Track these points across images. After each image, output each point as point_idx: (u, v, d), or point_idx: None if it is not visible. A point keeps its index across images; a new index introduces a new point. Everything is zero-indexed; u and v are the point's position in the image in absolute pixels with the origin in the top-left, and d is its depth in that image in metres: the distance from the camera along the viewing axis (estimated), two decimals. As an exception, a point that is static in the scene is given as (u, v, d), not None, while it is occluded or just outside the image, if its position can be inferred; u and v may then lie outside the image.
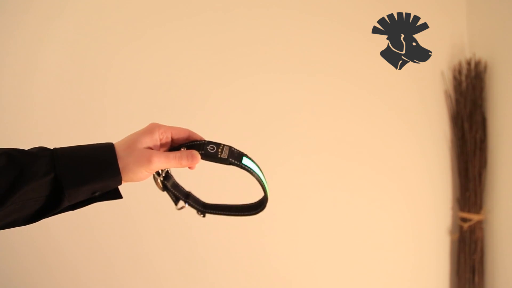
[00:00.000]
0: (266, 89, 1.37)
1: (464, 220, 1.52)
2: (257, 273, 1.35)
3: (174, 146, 0.60)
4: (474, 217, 1.50)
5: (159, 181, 0.61)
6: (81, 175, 0.51)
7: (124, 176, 0.54)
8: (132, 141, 0.56)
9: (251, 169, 0.58)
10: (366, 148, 1.46)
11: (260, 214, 1.42)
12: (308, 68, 1.41)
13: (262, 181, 0.59)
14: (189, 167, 0.58)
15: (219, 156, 0.57)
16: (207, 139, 0.60)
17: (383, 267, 1.49)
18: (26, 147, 0.57)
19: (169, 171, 0.61)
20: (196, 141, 0.59)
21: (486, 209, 1.52)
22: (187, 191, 0.67)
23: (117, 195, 0.58)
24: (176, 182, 0.64)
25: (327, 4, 1.44)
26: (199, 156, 0.57)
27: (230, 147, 0.58)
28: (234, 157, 0.57)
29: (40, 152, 0.52)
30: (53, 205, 0.51)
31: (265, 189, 0.61)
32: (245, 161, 0.57)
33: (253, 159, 0.59)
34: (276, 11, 1.38)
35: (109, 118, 1.21)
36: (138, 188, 1.24)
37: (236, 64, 1.34)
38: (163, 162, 0.55)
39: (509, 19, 1.47)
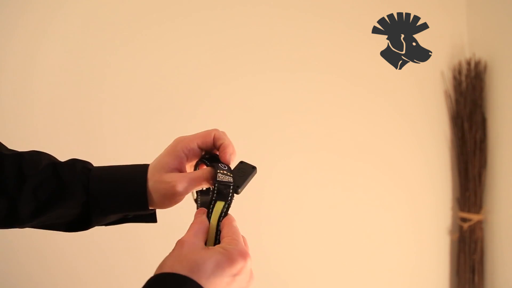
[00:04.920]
0: (266, 88, 1.36)
1: (464, 220, 1.52)
2: (256, 274, 1.34)
3: (203, 156, 0.57)
4: (474, 217, 1.50)
5: (194, 192, 0.57)
6: (109, 205, 0.53)
7: (154, 206, 0.54)
8: (158, 166, 0.54)
9: (213, 204, 0.50)
10: (366, 148, 1.46)
11: (259, 214, 1.41)
12: (308, 67, 1.40)
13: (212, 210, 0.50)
14: None
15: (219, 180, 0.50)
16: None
17: (383, 267, 1.49)
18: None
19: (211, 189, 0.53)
20: (215, 156, 0.55)
21: (486, 209, 1.52)
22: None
23: (152, 219, 0.58)
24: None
25: (327, 4, 1.43)
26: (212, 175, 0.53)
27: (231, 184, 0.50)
28: (220, 190, 0.50)
29: (81, 171, 0.54)
30: (84, 223, 0.54)
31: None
32: (217, 204, 0.50)
33: (225, 213, 0.50)
34: (275, 10, 1.38)
35: (107, 117, 1.21)
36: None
37: (234, 63, 1.33)
38: (188, 187, 0.52)
39: (509, 19, 1.47)
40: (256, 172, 0.55)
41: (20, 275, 1.13)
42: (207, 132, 0.55)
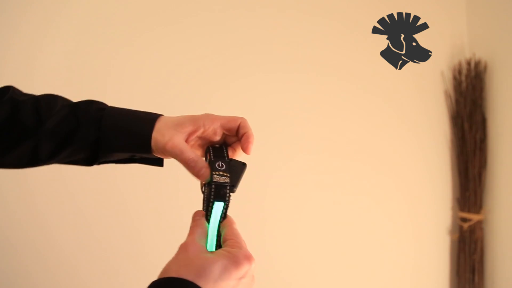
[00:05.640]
0: (267, 89, 1.36)
1: (464, 220, 1.52)
2: (257, 273, 1.34)
3: (213, 142, 0.57)
4: (474, 217, 1.50)
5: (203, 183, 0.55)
6: (115, 142, 0.55)
7: (156, 152, 0.55)
8: (175, 120, 0.55)
9: (211, 207, 0.49)
10: (366, 148, 1.46)
11: (261, 214, 1.41)
12: (308, 68, 1.40)
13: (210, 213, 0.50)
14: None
15: (213, 180, 0.49)
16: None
17: (383, 267, 1.49)
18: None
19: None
20: (222, 149, 0.55)
21: (486, 209, 1.52)
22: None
23: (158, 163, 0.60)
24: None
25: (327, 4, 1.44)
26: (205, 177, 0.51)
27: (228, 185, 0.49)
28: (217, 192, 0.49)
29: (96, 110, 0.57)
30: (95, 157, 0.57)
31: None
32: (216, 205, 0.49)
33: (225, 213, 0.50)
34: (275, 11, 1.38)
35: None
36: (139, 187, 1.24)
37: (236, 65, 1.33)
38: (176, 151, 0.52)
39: (509, 19, 1.47)
40: (246, 169, 0.54)
41: (20, 275, 1.13)
42: (234, 117, 0.57)
